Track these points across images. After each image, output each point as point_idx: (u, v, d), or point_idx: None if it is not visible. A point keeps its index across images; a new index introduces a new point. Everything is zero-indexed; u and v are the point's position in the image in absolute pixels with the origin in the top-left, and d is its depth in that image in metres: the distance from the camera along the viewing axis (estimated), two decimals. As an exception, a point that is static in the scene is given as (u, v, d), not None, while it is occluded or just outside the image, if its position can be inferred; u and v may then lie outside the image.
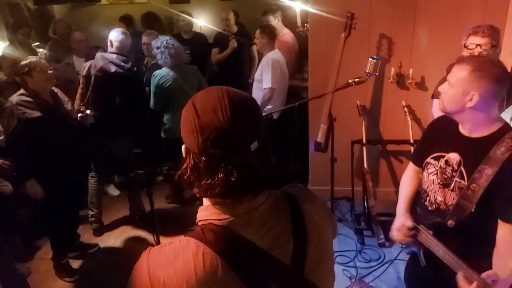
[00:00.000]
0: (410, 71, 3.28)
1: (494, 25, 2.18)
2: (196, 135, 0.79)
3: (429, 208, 1.70)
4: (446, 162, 1.60)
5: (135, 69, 3.43)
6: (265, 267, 0.83)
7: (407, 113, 3.30)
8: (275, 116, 3.69)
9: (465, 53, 2.12)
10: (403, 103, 3.37)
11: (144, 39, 4.02)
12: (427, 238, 1.65)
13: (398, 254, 3.02)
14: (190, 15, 4.98)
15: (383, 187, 3.78)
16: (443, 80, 2.29)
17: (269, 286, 0.83)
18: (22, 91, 2.72)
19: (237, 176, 0.79)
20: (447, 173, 1.60)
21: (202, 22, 5.49)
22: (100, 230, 3.59)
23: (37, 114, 2.67)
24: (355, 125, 3.40)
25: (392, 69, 3.31)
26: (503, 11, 3.04)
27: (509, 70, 2.18)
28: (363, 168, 3.28)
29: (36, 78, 2.69)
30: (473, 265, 1.43)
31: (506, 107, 2.07)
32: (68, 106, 3.01)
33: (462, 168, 1.54)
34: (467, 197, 1.49)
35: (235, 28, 4.76)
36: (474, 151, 1.50)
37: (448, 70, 2.30)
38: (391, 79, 3.34)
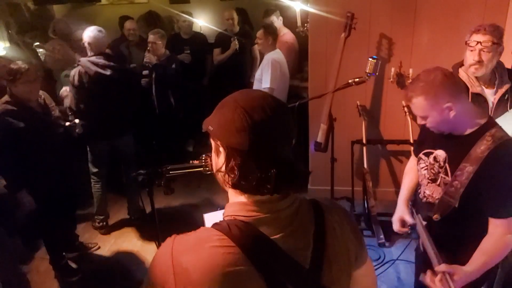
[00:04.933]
0: (410, 71, 3.27)
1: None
2: (247, 133, 0.81)
3: (422, 200, 1.77)
4: (435, 158, 1.67)
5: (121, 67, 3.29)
6: (284, 267, 0.85)
7: (407, 113, 3.29)
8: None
9: (467, 51, 2.12)
10: (403, 103, 3.36)
11: (151, 37, 4.01)
12: (420, 228, 1.71)
13: (400, 254, 3.01)
14: (190, 15, 4.98)
15: (383, 187, 3.78)
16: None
17: (286, 287, 0.84)
18: (6, 97, 2.60)
19: (288, 170, 0.83)
20: (435, 169, 1.67)
21: (202, 22, 5.49)
22: (106, 230, 3.59)
23: (21, 124, 2.55)
24: (355, 125, 3.40)
25: (392, 69, 3.30)
26: (503, 11, 3.04)
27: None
28: (363, 168, 3.28)
29: (19, 88, 2.56)
30: (457, 259, 1.53)
31: (510, 108, 2.06)
32: (56, 112, 2.94)
33: (446, 164, 1.61)
34: (450, 193, 1.56)
35: (237, 28, 4.77)
36: (458, 149, 1.55)
37: (454, 68, 2.30)
38: (391, 79, 3.33)
